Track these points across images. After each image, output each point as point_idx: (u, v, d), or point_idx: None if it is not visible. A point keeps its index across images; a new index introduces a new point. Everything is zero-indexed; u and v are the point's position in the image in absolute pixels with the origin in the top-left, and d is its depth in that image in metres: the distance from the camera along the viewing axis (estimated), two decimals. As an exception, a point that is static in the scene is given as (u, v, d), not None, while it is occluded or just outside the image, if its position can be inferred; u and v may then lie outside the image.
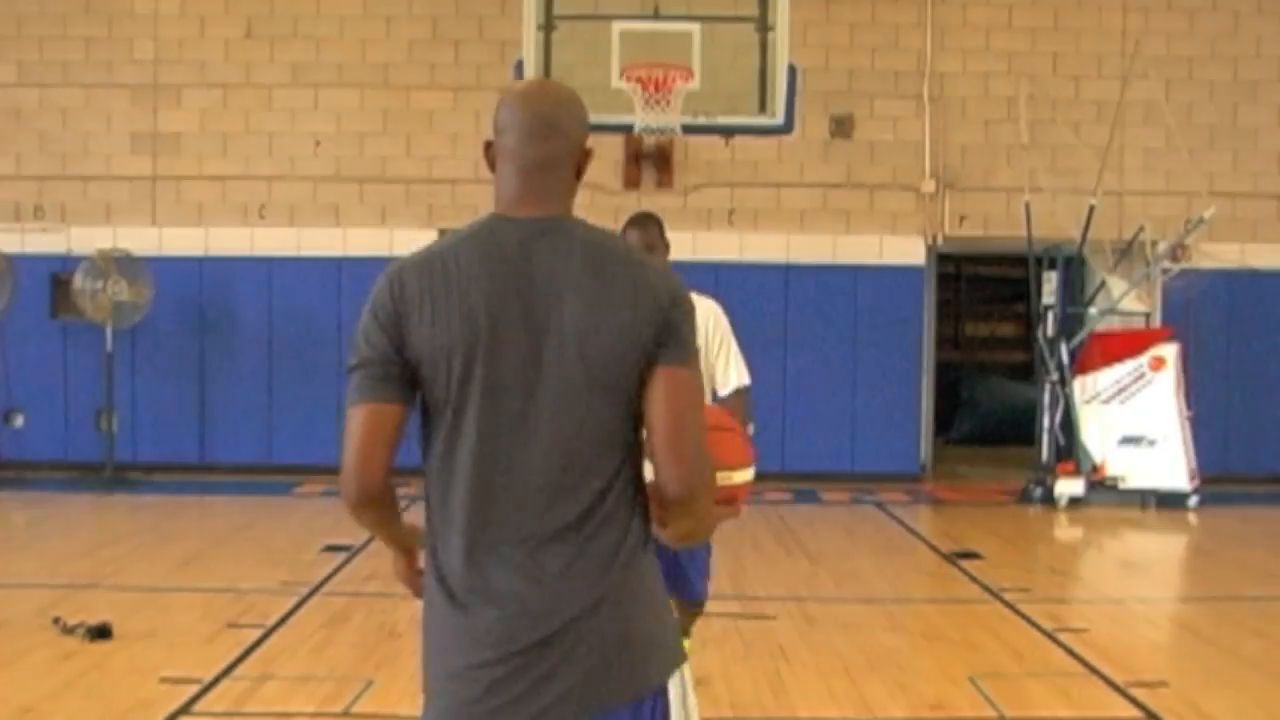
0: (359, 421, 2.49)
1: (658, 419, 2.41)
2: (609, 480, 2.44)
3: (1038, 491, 12.13)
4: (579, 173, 2.59)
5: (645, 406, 2.42)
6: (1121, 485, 11.84)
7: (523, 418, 2.41)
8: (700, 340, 3.59)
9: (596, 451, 2.43)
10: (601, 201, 12.99)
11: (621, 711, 2.45)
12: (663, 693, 2.51)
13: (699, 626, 6.95)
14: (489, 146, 2.63)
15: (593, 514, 2.43)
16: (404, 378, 2.48)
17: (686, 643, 4.63)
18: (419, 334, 2.43)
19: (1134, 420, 11.82)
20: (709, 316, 4.91)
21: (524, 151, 2.53)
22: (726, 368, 4.90)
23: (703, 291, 4.57)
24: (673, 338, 2.43)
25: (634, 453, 2.50)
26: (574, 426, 2.41)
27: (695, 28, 9.27)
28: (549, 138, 2.53)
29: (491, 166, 2.63)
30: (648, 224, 4.86)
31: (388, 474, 2.56)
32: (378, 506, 2.62)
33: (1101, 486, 11.87)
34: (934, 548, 10.09)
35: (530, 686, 2.44)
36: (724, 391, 4.93)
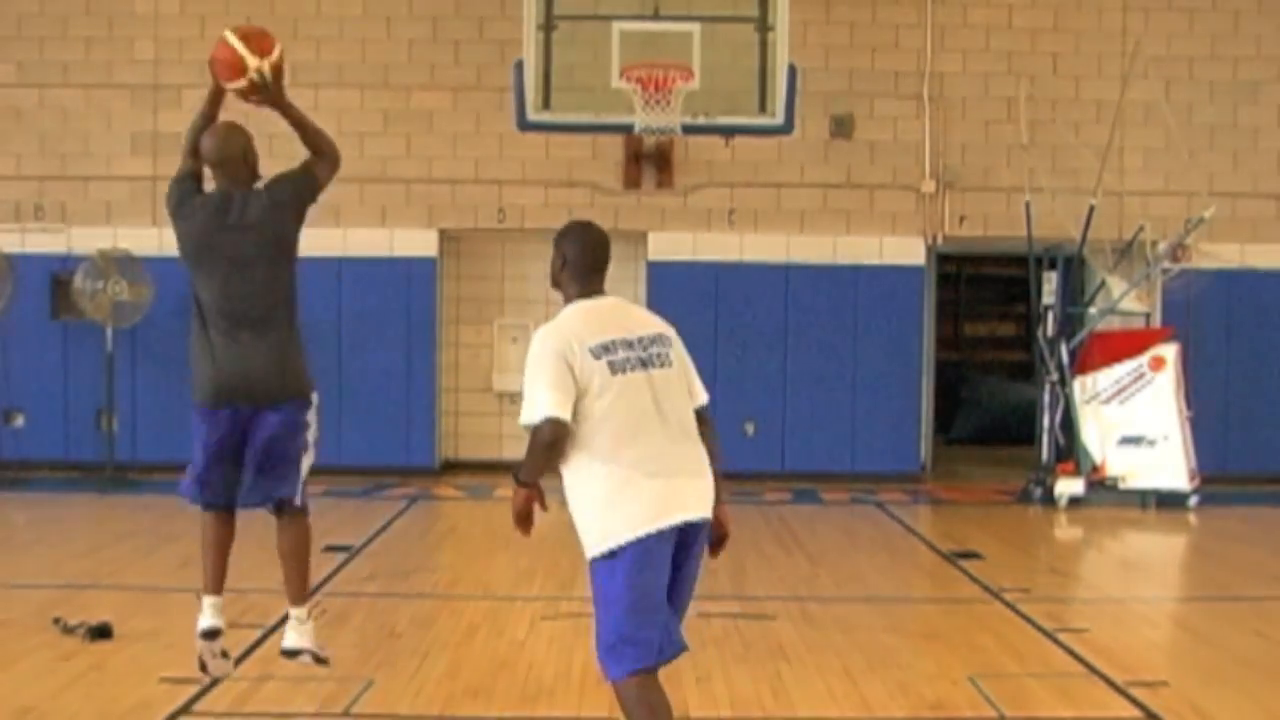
0: None
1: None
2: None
3: (1038, 491, 12.13)
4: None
5: None
6: (1121, 485, 11.84)
7: None
8: (678, 347, 4.60)
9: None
10: (602, 201, 13.02)
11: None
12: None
13: (698, 626, 6.96)
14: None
15: None
16: None
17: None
18: None
19: (1134, 420, 11.82)
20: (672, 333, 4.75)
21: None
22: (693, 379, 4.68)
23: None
24: None
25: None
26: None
27: (695, 28, 9.24)
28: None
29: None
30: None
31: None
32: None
33: (1101, 486, 11.87)
34: (934, 548, 10.09)
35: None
36: (704, 399, 4.66)
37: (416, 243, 13.47)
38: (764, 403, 13.45)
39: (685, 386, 4.55)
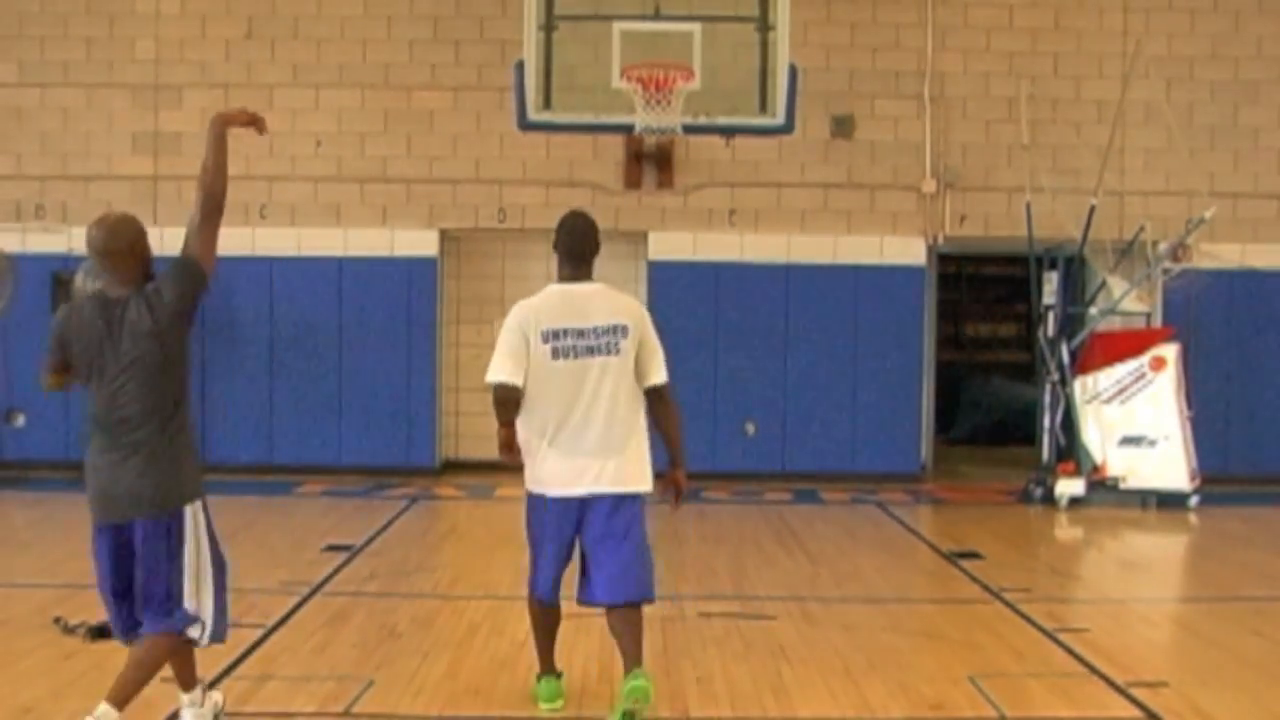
0: None
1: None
2: None
3: (1038, 491, 12.13)
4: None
5: None
6: (1122, 485, 11.84)
7: None
8: (640, 334, 5.32)
9: None
10: (602, 201, 13.01)
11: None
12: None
13: (698, 626, 6.96)
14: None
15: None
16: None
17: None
18: None
19: (1134, 420, 11.81)
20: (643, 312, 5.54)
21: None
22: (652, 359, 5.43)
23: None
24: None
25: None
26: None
27: (695, 28, 9.24)
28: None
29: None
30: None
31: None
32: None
33: (1102, 486, 11.87)
34: (934, 548, 10.09)
35: None
36: (658, 380, 5.41)
37: (417, 243, 13.47)
38: (764, 403, 13.45)
39: (629, 372, 5.31)
